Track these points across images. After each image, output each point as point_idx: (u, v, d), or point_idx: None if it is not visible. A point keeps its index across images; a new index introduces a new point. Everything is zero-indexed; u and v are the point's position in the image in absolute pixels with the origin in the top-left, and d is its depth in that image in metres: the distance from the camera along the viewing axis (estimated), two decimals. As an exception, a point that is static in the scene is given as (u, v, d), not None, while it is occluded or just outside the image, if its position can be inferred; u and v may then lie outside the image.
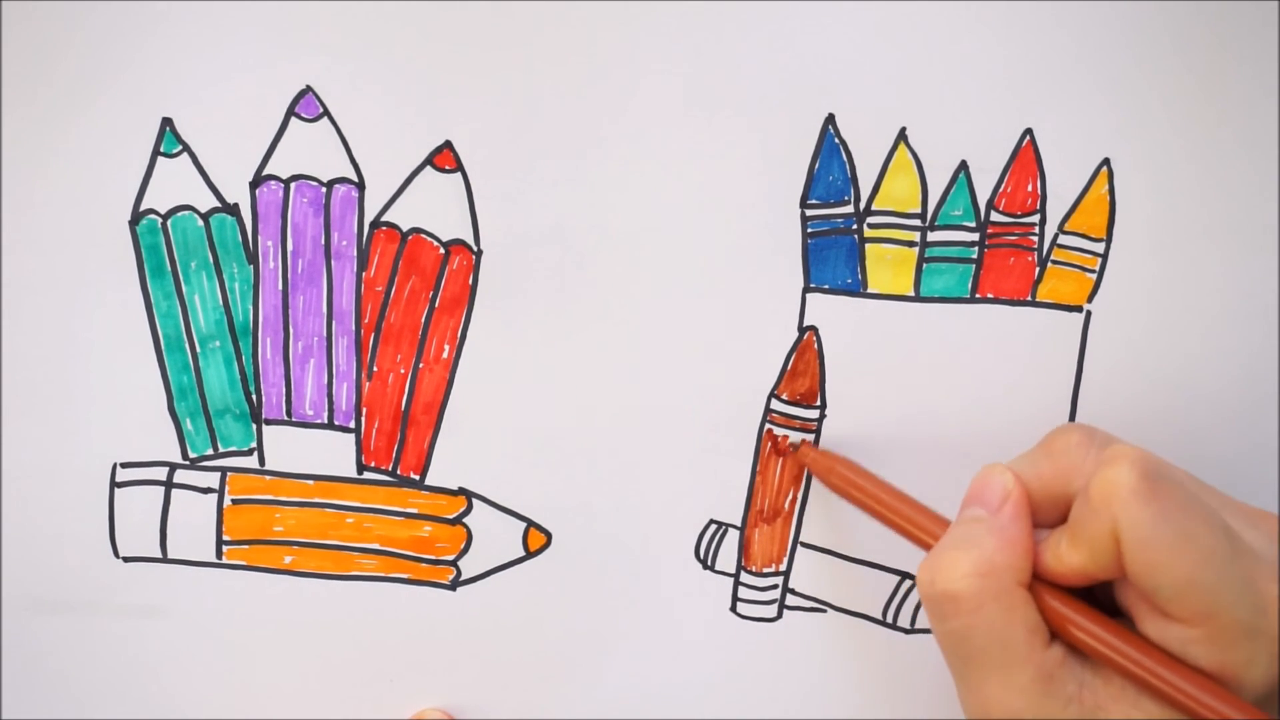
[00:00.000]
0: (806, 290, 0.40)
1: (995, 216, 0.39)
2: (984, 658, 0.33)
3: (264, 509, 0.41)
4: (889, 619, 0.42)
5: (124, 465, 0.41)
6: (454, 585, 0.42)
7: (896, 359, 0.40)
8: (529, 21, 0.38)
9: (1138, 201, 0.39)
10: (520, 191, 0.39)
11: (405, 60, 0.38)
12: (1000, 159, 0.39)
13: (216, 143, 0.39)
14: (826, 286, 0.40)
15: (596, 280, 0.39)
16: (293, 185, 0.39)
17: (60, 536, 0.41)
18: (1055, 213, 0.39)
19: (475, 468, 0.41)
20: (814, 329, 0.40)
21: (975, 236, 0.39)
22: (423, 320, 0.40)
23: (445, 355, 0.40)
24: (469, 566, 0.41)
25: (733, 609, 0.42)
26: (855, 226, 0.39)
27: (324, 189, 0.39)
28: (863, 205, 0.39)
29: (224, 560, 0.41)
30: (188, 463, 0.41)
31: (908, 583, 0.41)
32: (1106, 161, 0.39)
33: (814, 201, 0.39)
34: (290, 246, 0.39)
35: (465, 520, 0.41)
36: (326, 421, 0.41)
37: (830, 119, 0.38)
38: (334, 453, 0.41)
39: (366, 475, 0.41)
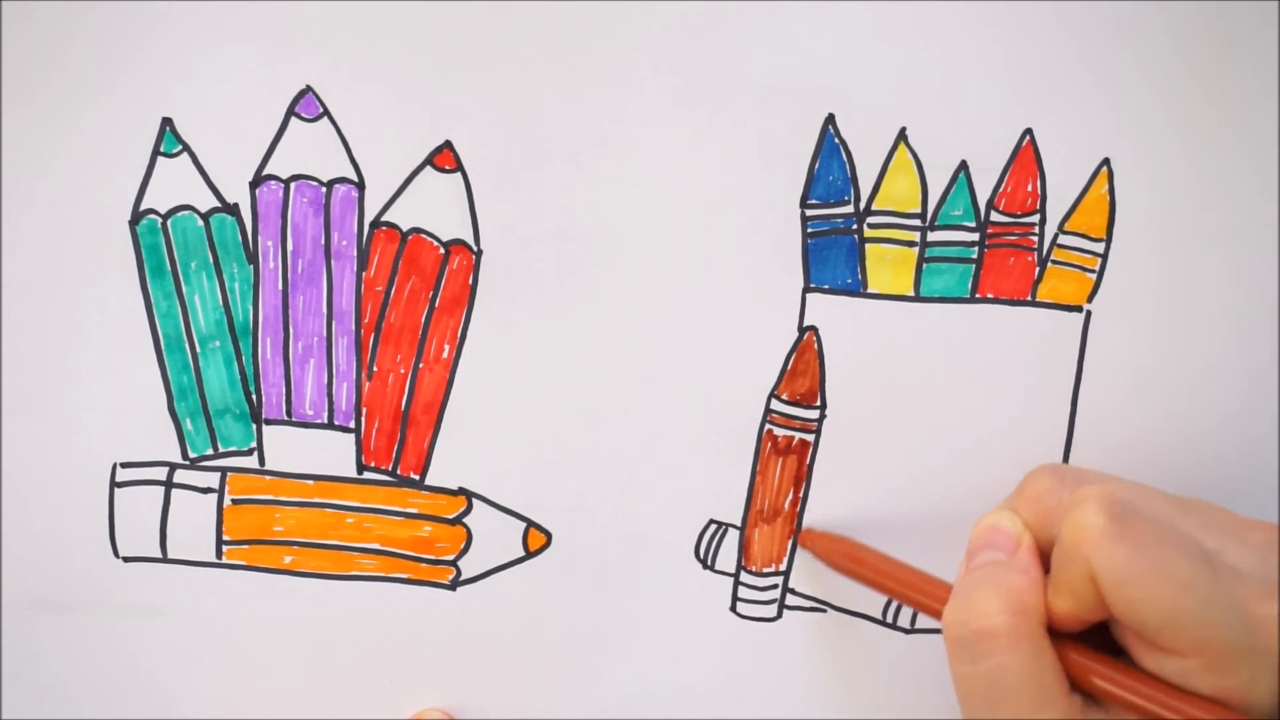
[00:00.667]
0: (806, 290, 0.40)
1: (995, 216, 0.39)
2: (1017, 700, 0.32)
3: (264, 509, 0.41)
4: (889, 619, 0.42)
5: (124, 465, 0.41)
6: (454, 585, 0.42)
7: (896, 359, 0.40)
8: (529, 21, 0.38)
9: (1138, 201, 0.39)
10: (520, 191, 0.39)
11: (405, 60, 0.38)
12: (1000, 159, 0.39)
13: (216, 143, 0.39)
14: (826, 286, 0.40)
15: (596, 280, 0.39)
16: (293, 185, 0.39)
17: (60, 536, 0.41)
18: (1055, 213, 0.39)
19: (475, 468, 0.41)
20: (814, 329, 0.40)
21: (975, 236, 0.39)
22: (423, 320, 0.40)
23: (445, 355, 0.40)
24: (469, 566, 0.41)
25: (733, 609, 0.42)
26: (855, 226, 0.39)
27: (324, 189, 0.39)
28: (863, 205, 0.39)
29: (224, 560, 0.41)
30: (188, 463, 0.41)
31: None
32: (1106, 161, 0.39)
33: (814, 201, 0.39)
34: (290, 246, 0.40)
35: (465, 520, 0.41)
36: (326, 421, 0.41)
37: (830, 119, 0.38)
38: (334, 453, 0.41)
39: (366, 475, 0.41)
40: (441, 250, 0.39)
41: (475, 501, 0.41)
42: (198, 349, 0.40)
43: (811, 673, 0.42)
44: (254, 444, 0.41)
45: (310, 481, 0.41)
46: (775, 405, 0.40)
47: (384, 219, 0.39)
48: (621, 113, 0.38)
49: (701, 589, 0.41)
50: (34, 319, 0.39)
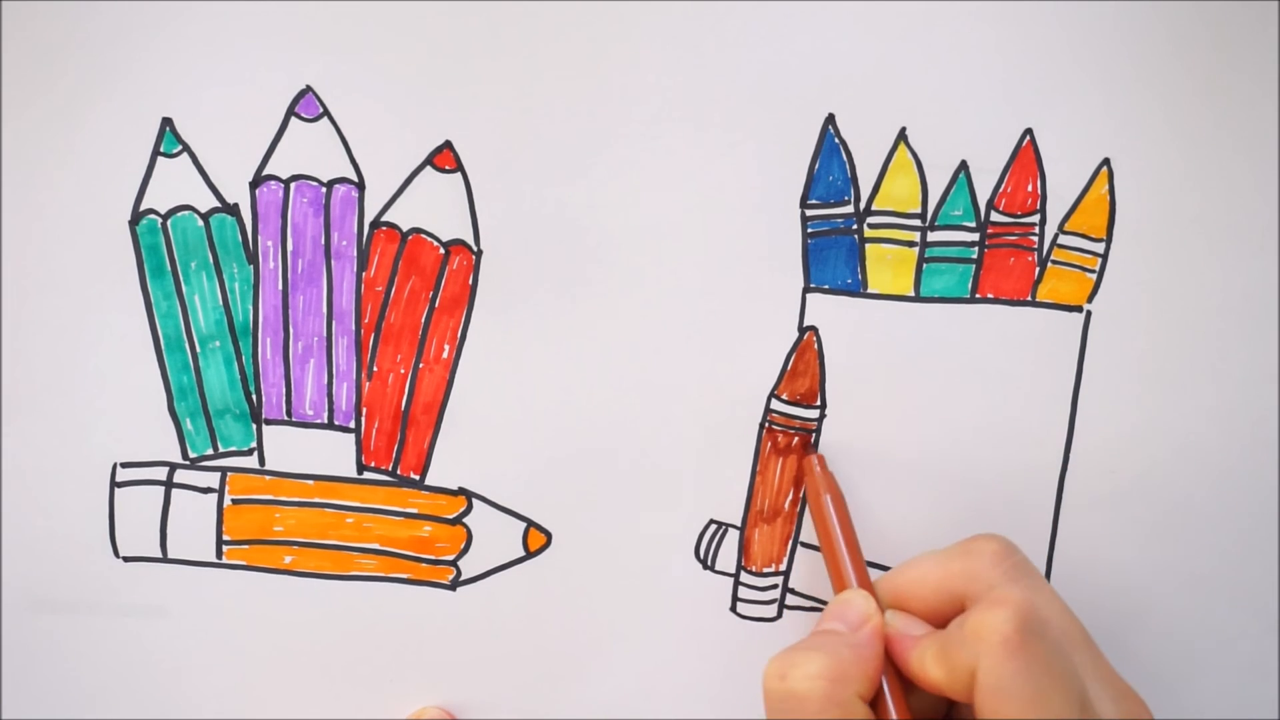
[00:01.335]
0: (806, 290, 0.40)
1: (995, 216, 0.39)
2: None
3: (264, 509, 0.41)
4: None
5: (124, 465, 0.41)
6: (454, 585, 0.42)
7: (896, 359, 0.40)
8: (529, 21, 0.38)
9: (1138, 201, 0.39)
10: (520, 191, 0.39)
11: (405, 60, 0.38)
12: (1000, 159, 0.39)
13: (216, 143, 0.39)
14: (826, 286, 0.40)
15: (596, 280, 0.39)
16: (293, 185, 0.39)
17: (60, 536, 0.41)
18: (1055, 213, 0.39)
19: (475, 468, 0.41)
20: (814, 329, 0.40)
21: (975, 236, 0.39)
22: (423, 320, 0.40)
23: (445, 355, 0.40)
24: (469, 566, 0.41)
25: (733, 609, 0.42)
26: (855, 226, 0.39)
27: (324, 189, 0.39)
28: (863, 205, 0.39)
29: (224, 560, 0.41)
30: (188, 463, 0.41)
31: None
32: (1106, 161, 0.39)
33: (814, 201, 0.39)
34: (290, 246, 0.40)
35: (465, 520, 0.41)
36: (326, 421, 0.41)
37: (830, 119, 0.38)
38: (334, 453, 0.41)
39: (366, 475, 0.41)
40: (441, 250, 0.39)
41: (475, 501, 0.41)
42: (198, 349, 0.40)
43: (811, 673, 0.42)
44: (254, 444, 0.41)
45: (310, 481, 0.41)
46: (775, 405, 0.40)
47: (384, 219, 0.39)
48: (621, 113, 0.38)
49: (701, 589, 0.41)
50: (34, 319, 0.39)
